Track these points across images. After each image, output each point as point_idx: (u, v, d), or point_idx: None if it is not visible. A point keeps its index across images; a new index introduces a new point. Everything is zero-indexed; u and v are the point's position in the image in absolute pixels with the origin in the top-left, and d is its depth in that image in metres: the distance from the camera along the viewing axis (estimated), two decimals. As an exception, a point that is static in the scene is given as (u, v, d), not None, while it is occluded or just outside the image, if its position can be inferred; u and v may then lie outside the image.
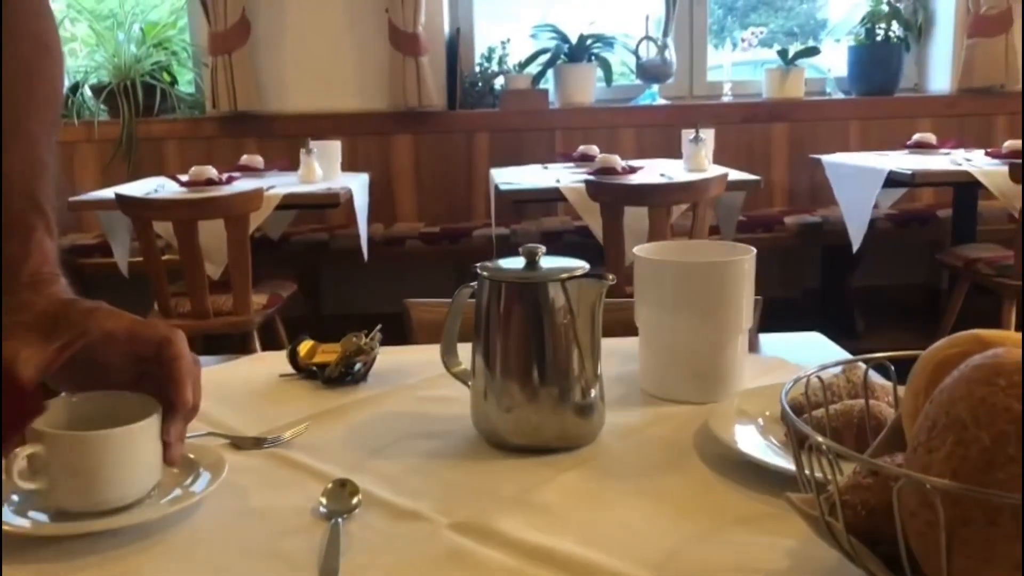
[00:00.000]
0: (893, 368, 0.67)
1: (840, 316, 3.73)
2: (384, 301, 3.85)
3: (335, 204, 2.99)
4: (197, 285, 2.68)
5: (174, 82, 4.00)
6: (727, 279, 0.88)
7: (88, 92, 3.91)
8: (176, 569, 0.62)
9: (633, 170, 3.02)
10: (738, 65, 4.99)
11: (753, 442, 0.77)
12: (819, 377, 0.65)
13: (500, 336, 0.80)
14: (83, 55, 4.09)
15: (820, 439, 0.52)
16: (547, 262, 0.81)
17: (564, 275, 0.78)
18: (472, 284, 0.83)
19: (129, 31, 3.91)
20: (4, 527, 0.64)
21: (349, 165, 3.55)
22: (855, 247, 3.20)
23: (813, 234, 3.74)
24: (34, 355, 0.64)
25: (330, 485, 0.70)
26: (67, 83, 3.94)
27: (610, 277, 0.79)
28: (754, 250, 0.90)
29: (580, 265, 0.80)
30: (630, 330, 0.98)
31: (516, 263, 0.81)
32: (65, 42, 4.23)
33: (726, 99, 4.15)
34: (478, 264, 0.82)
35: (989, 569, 0.46)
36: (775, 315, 1.12)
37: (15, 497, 0.67)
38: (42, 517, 0.66)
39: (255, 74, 3.85)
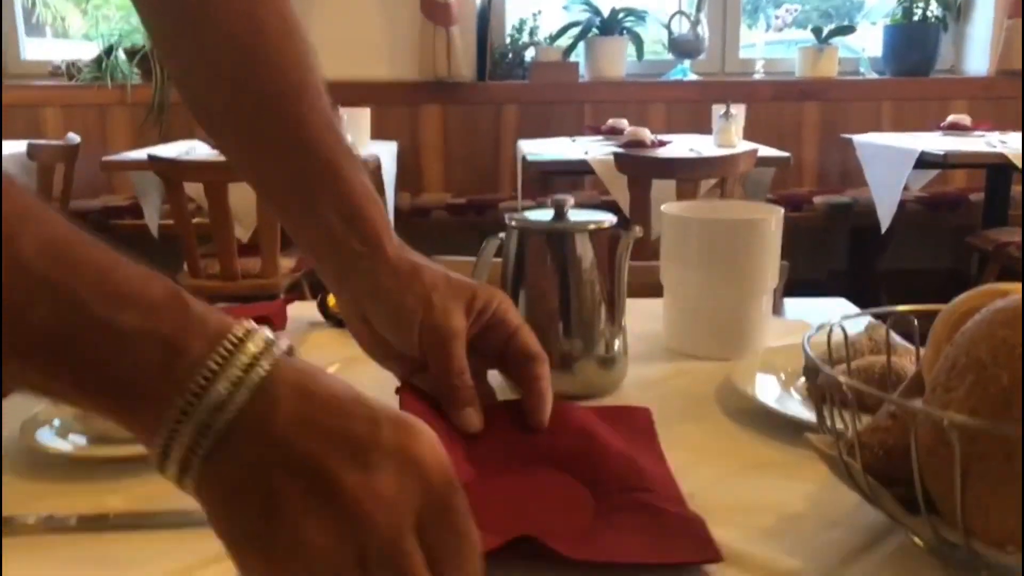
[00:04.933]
0: (916, 321, 0.68)
1: (867, 298, 3.70)
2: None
3: (363, 171, 3.00)
4: (226, 247, 2.72)
5: (207, 48, 4.01)
6: (754, 236, 0.88)
7: (122, 55, 3.95)
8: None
9: (662, 144, 3.02)
10: (771, 44, 4.95)
11: (774, 394, 0.78)
12: (842, 328, 0.65)
13: (526, 286, 0.81)
14: (117, 19, 4.13)
15: (841, 378, 0.53)
16: (575, 214, 0.82)
17: (592, 226, 0.79)
18: (500, 235, 0.84)
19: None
20: (48, 449, 0.67)
21: (378, 134, 3.57)
22: (883, 228, 3.18)
23: (842, 215, 3.72)
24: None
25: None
26: (101, 46, 3.99)
27: (637, 229, 0.80)
28: (781, 209, 0.91)
29: (607, 217, 0.81)
30: (654, 293, 0.99)
31: (544, 214, 0.82)
32: (99, 6, 4.27)
33: (758, 76, 4.12)
34: (506, 214, 0.83)
35: (1002, 504, 0.47)
36: (801, 295, 1.13)
37: (56, 422, 0.70)
38: (81, 440, 0.68)
39: (287, 41, 3.86)
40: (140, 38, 3.90)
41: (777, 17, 4.47)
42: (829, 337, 0.65)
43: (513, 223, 0.82)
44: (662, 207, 0.92)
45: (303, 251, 0.68)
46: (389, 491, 0.41)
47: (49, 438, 0.69)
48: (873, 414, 0.60)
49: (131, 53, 3.90)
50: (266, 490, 0.40)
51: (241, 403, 0.40)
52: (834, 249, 3.99)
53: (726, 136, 3.09)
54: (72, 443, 0.68)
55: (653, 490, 0.60)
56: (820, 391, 0.57)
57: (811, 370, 0.56)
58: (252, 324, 0.43)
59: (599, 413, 0.70)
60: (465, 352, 0.63)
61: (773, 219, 0.89)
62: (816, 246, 3.96)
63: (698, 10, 3.98)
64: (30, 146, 3.11)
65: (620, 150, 2.83)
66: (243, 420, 0.40)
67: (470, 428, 0.63)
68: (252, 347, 0.41)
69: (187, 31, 0.67)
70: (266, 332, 0.43)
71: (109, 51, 3.92)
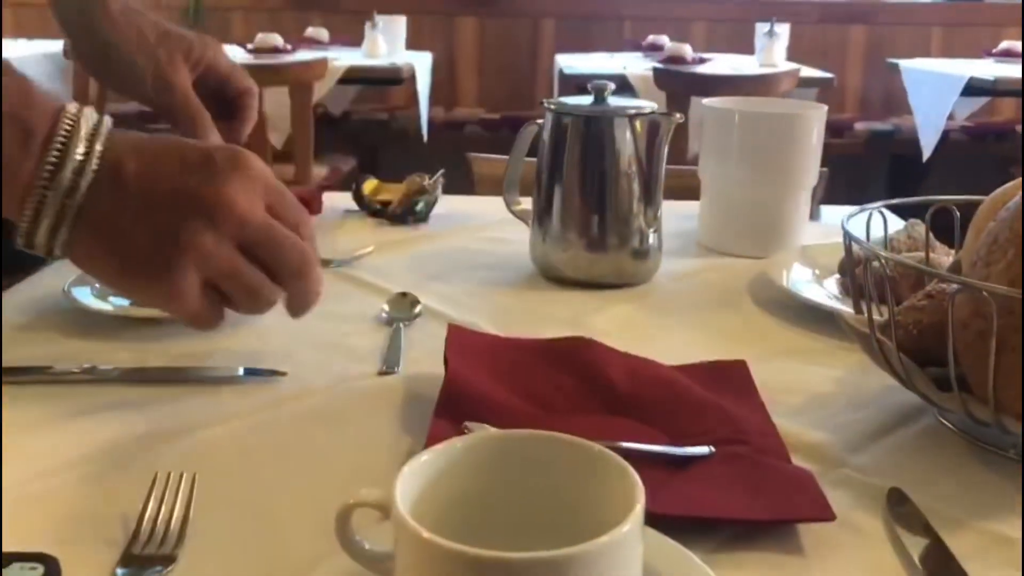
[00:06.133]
0: (958, 214, 0.67)
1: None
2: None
3: (398, 81, 2.98)
4: (260, 153, 2.70)
5: (242, -49, 3.96)
6: (796, 131, 0.87)
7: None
8: (246, 352, 0.65)
9: (703, 61, 2.95)
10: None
11: (807, 287, 0.77)
12: (882, 214, 0.65)
13: (563, 172, 0.81)
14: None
15: (879, 251, 0.53)
16: (615, 100, 0.81)
17: (632, 110, 0.78)
18: (538, 121, 0.84)
19: None
20: (91, 307, 0.68)
21: (413, 44, 3.52)
22: (925, 156, 3.11)
23: (883, 143, 3.63)
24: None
25: (392, 296, 0.73)
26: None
27: (677, 116, 0.79)
28: (824, 107, 0.89)
29: (648, 103, 0.80)
30: (690, 196, 0.99)
31: (583, 99, 0.81)
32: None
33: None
34: (545, 99, 0.83)
35: (1037, 376, 0.47)
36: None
37: (97, 284, 0.71)
38: (122, 301, 0.70)
39: (323, -54, 3.80)
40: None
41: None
42: (868, 223, 0.64)
43: (552, 106, 0.81)
44: (704, 101, 0.91)
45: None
46: (239, 191, 0.50)
47: (89, 298, 0.70)
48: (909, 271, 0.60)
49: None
50: (142, 227, 0.49)
51: (95, 167, 0.48)
52: (874, 177, 3.92)
53: (768, 55, 3.02)
54: (112, 304, 0.70)
55: (749, 442, 0.52)
56: (856, 267, 0.56)
57: (848, 249, 0.56)
58: (75, 104, 0.50)
59: (688, 371, 0.60)
60: (193, 93, 0.72)
61: (816, 116, 0.88)
62: (856, 173, 3.88)
63: (746, -75, 3.84)
64: (66, 45, 3.10)
65: (659, 65, 2.78)
66: (100, 182, 0.48)
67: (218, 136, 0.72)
68: (88, 121, 0.49)
69: None
70: (91, 111, 0.50)
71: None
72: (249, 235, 0.50)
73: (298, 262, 0.52)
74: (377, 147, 3.88)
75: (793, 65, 2.93)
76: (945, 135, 3.13)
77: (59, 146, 0.48)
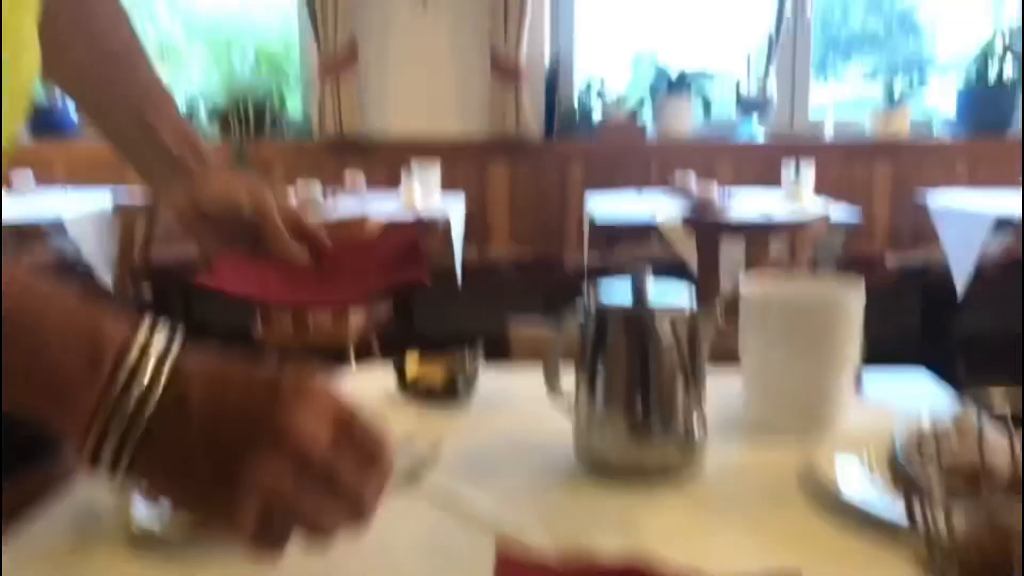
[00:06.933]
0: (1010, 413, 0.66)
1: (941, 363, 3.60)
2: (477, 322, 3.92)
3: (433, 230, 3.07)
4: (298, 301, 2.77)
5: (283, 104, 4.15)
6: (835, 317, 0.87)
7: (203, 114, 4.09)
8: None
9: (730, 200, 3.00)
10: (841, 104, 4.91)
11: (857, 482, 0.76)
12: (930, 420, 0.64)
13: (604, 366, 0.81)
14: (198, 77, 4.30)
15: (935, 487, 0.52)
16: (653, 290, 0.82)
17: (673, 312, 0.80)
18: (577, 309, 0.85)
19: (242, 54, 4.08)
20: (139, 528, 0.68)
21: (447, 182, 3.61)
22: (959, 294, 3.10)
23: (915, 275, 3.64)
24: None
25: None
26: (183, 105, 4.14)
27: (717, 317, 0.80)
28: (862, 288, 0.90)
29: (685, 294, 0.81)
30: (726, 357, 0.98)
31: (622, 291, 0.83)
32: (181, 64, 4.45)
33: (828, 135, 4.08)
34: (583, 291, 0.84)
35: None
36: (873, 358, 1.11)
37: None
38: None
39: (360, 97, 3.97)
40: (219, 96, 4.05)
41: (847, 78, 4.44)
42: (917, 436, 0.63)
43: (591, 302, 0.83)
44: (741, 288, 0.92)
45: (140, 175, 0.91)
46: (303, 423, 0.50)
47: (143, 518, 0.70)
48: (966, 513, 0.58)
49: (210, 111, 4.04)
50: (203, 460, 0.50)
51: (160, 395, 0.50)
52: (907, 310, 3.90)
53: (796, 194, 3.07)
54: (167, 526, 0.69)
55: None
56: (911, 491, 0.56)
57: (902, 475, 0.55)
58: (148, 323, 0.52)
59: None
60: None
61: (853, 299, 0.88)
62: (888, 306, 3.87)
63: (766, 71, 3.98)
64: (115, 203, 3.24)
65: (689, 214, 2.83)
66: (164, 411, 0.50)
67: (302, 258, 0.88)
68: (158, 345, 0.51)
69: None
70: (163, 331, 0.52)
71: (190, 110, 4.08)
72: (309, 472, 0.51)
73: (347, 511, 0.52)
74: (411, 290, 3.94)
75: (821, 204, 2.98)
76: (978, 267, 3.13)
77: (126, 375, 0.50)
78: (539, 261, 3.76)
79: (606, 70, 4.25)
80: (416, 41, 4.01)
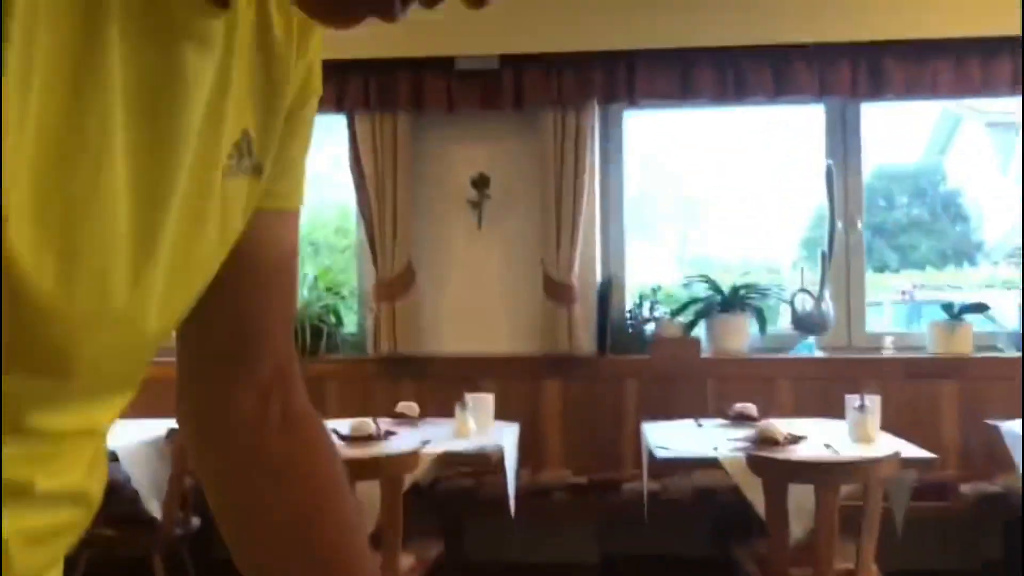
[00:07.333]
0: None
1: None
2: (530, 551, 3.76)
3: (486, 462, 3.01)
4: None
5: (339, 323, 4.22)
6: None
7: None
8: None
9: (795, 440, 2.90)
10: (897, 303, 4.86)
11: None
12: None
13: None
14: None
15: None
16: None
17: None
18: None
19: (303, 276, 4.20)
20: None
21: (500, 411, 3.58)
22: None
23: (992, 503, 3.45)
24: None
25: None
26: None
27: None
28: None
29: None
30: None
31: None
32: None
33: (887, 352, 4.00)
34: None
35: None
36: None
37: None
38: None
39: (416, 319, 4.01)
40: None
41: (903, 293, 4.42)
42: None
43: None
44: None
45: None
46: None
47: None
48: None
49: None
50: None
51: None
52: (987, 538, 3.67)
53: (863, 430, 2.96)
54: None
55: None
56: None
57: None
58: None
59: None
60: None
61: None
62: (967, 535, 3.66)
63: (822, 287, 3.96)
64: (170, 431, 3.25)
65: (752, 450, 2.73)
66: None
67: None
68: None
69: (239, 472, 0.68)
70: None
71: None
72: None
73: None
74: (463, 517, 3.82)
75: (890, 439, 2.86)
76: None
77: None
78: (594, 485, 3.65)
79: (658, 284, 4.27)
80: (471, 264, 4.09)
